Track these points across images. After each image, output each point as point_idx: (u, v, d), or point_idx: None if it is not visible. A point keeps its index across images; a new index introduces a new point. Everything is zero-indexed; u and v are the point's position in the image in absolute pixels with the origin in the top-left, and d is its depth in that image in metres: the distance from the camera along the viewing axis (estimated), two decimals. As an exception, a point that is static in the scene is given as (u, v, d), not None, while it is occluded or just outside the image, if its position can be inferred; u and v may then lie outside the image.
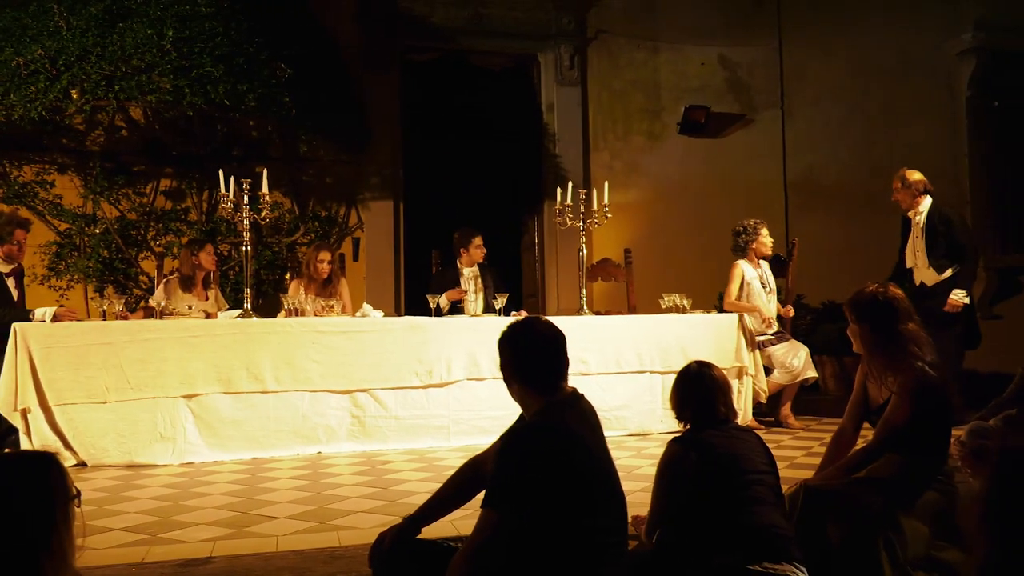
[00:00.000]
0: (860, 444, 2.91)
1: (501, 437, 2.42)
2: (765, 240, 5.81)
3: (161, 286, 5.62)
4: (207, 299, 5.57)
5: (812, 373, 5.60)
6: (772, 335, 5.65)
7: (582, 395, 2.24)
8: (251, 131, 7.00)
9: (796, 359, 5.56)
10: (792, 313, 5.96)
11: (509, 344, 2.25)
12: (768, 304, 5.74)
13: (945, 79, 8.46)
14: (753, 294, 5.72)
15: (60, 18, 5.93)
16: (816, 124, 8.20)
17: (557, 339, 2.23)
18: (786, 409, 5.64)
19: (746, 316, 5.58)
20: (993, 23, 8.29)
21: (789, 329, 5.95)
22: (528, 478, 1.96)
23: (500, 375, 2.30)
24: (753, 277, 5.76)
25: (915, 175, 5.56)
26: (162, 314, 4.82)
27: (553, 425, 2.09)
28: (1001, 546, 0.98)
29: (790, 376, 5.58)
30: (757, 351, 5.60)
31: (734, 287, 5.71)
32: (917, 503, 2.68)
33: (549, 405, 2.14)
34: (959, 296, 5.28)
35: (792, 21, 8.17)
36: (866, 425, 2.99)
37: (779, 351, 5.61)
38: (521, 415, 2.32)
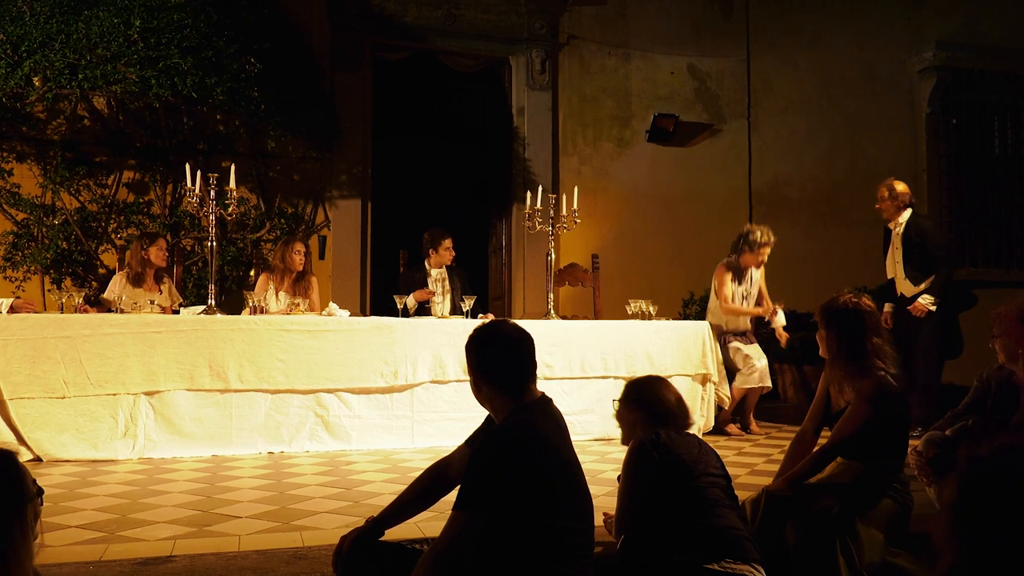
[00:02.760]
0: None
1: (467, 441, 2.42)
2: (766, 251, 5.70)
3: (114, 280, 5.53)
4: (160, 293, 5.48)
5: (768, 383, 5.67)
6: (742, 335, 5.72)
7: (550, 399, 2.25)
8: (218, 125, 6.91)
9: (759, 362, 5.62)
10: (771, 309, 5.80)
11: (480, 346, 2.23)
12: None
13: (907, 95, 8.66)
14: (735, 300, 5.75)
15: (23, 3, 5.81)
16: (782, 135, 8.34)
17: (526, 341, 2.23)
18: (748, 416, 5.71)
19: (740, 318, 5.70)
20: (954, 42, 8.51)
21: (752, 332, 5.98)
22: (502, 482, 1.97)
23: (465, 378, 2.29)
24: (737, 282, 5.76)
25: (901, 186, 5.61)
26: (121, 309, 4.74)
27: (526, 430, 2.09)
28: (969, 554, 1.01)
29: (752, 380, 5.62)
30: (721, 360, 5.62)
31: (726, 289, 5.69)
32: (874, 510, 2.74)
33: (520, 408, 2.14)
34: (926, 301, 5.35)
35: (760, 33, 8.30)
36: (826, 430, 3.06)
37: (747, 350, 5.66)
38: (488, 418, 2.32)
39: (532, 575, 1.99)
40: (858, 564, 2.60)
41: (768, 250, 5.71)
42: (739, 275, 5.75)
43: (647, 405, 2.59)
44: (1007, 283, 8.23)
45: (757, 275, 5.83)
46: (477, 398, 2.26)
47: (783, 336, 5.74)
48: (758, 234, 5.68)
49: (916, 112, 8.67)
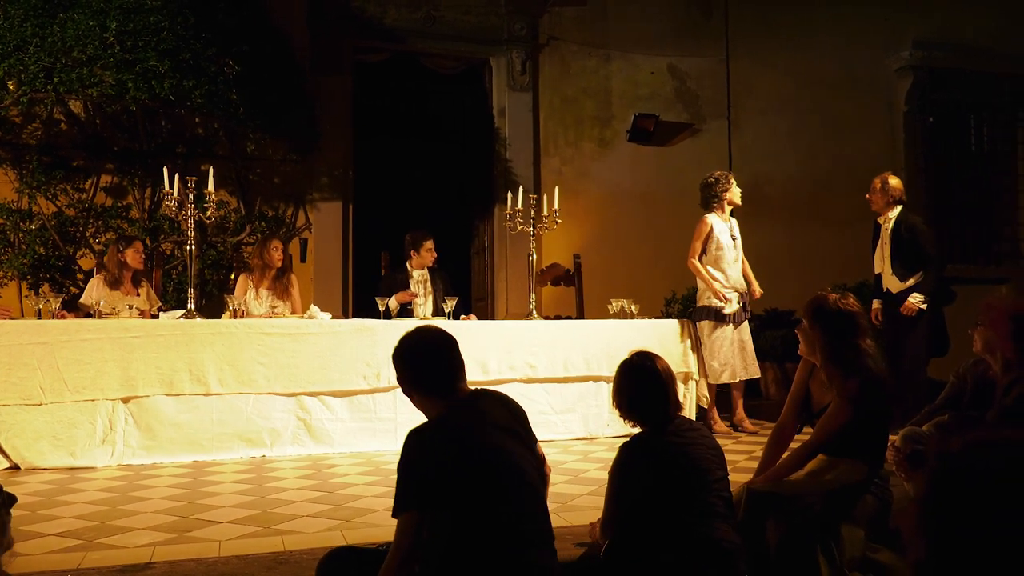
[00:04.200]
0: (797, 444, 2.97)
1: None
2: (736, 190, 5.73)
3: (91, 284, 5.48)
4: (138, 296, 5.44)
5: (745, 376, 5.60)
6: (732, 311, 5.57)
7: (485, 392, 2.30)
8: (197, 128, 6.87)
9: (720, 357, 5.54)
10: (760, 292, 5.80)
11: (405, 355, 2.28)
12: (735, 262, 5.65)
13: (885, 94, 8.75)
14: (722, 248, 5.60)
15: (-3, 6, 5.75)
16: (762, 135, 8.38)
17: (448, 342, 2.28)
18: (739, 412, 5.68)
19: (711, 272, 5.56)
20: (931, 42, 8.60)
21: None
22: (430, 476, 2.01)
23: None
24: (723, 231, 5.64)
25: (895, 181, 5.60)
26: (100, 314, 4.70)
27: (443, 423, 2.15)
28: (937, 549, 1.02)
29: (723, 374, 5.58)
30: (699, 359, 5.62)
31: (698, 243, 5.59)
32: (855, 506, 2.75)
33: (451, 409, 2.19)
34: (916, 300, 5.32)
35: (740, 34, 8.34)
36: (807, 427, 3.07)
37: (720, 339, 5.57)
38: None
39: (494, 565, 2.01)
40: (839, 561, 2.62)
41: (734, 180, 5.77)
42: (721, 225, 5.66)
43: (644, 398, 2.56)
44: (984, 279, 8.32)
45: (737, 228, 5.77)
46: (415, 405, 2.30)
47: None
48: (718, 173, 5.79)
49: (894, 111, 8.76)
